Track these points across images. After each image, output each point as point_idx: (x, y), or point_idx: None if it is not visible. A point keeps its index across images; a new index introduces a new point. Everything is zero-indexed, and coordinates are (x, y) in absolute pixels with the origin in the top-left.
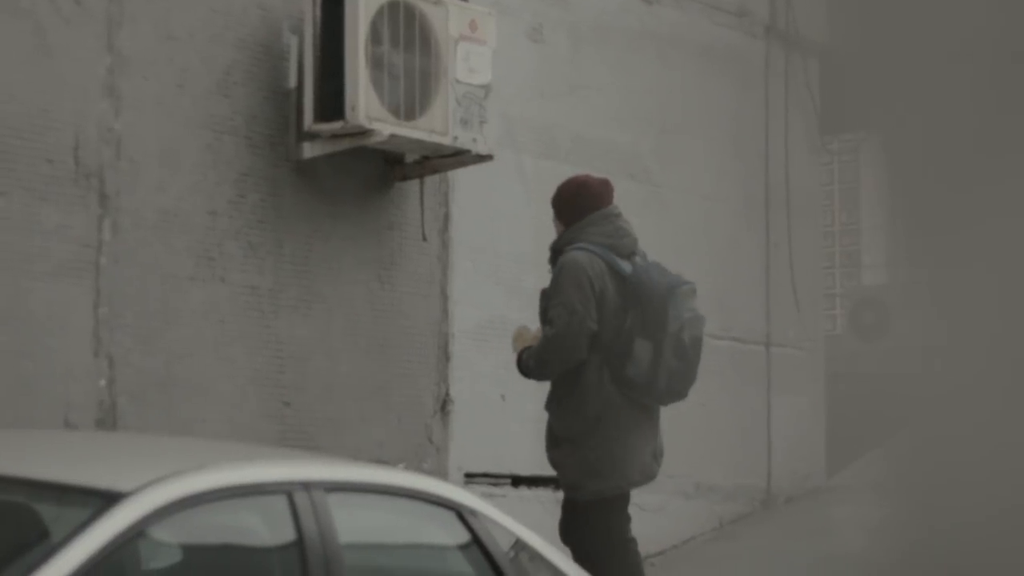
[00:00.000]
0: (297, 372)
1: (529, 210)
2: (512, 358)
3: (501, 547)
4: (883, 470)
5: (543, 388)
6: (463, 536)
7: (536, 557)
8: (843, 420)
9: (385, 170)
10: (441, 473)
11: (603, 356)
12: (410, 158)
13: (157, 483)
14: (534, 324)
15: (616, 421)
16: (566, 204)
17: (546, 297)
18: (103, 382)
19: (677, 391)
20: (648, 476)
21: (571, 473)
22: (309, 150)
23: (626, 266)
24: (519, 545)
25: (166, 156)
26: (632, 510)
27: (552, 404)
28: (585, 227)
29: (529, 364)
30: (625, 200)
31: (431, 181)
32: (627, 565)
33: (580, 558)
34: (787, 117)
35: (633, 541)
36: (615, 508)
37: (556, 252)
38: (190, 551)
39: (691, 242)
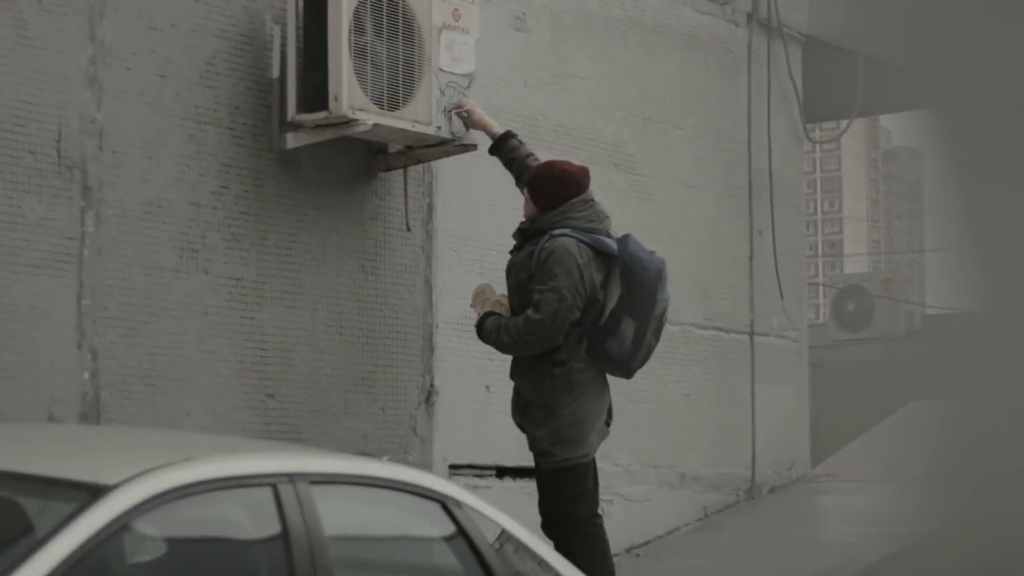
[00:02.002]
0: (281, 364)
1: (512, 200)
2: (491, 348)
3: (486, 538)
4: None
5: None
6: (448, 528)
7: (521, 548)
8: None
9: (369, 160)
10: (426, 464)
11: (583, 329)
12: (393, 148)
13: (142, 476)
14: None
15: (588, 391)
16: (547, 190)
17: (519, 270)
18: (87, 375)
19: (640, 367)
20: (603, 437)
21: (541, 441)
22: (292, 140)
23: (611, 243)
24: (504, 536)
25: (149, 147)
26: (617, 500)
27: (523, 370)
28: (567, 212)
29: (502, 339)
30: (608, 189)
31: (415, 171)
32: (593, 538)
33: (551, 529)
34: (770, 105)
35: (599, 517)
36: (582, 475)
37: (532, 233)
38: (175, 544)
39: (674, 231)
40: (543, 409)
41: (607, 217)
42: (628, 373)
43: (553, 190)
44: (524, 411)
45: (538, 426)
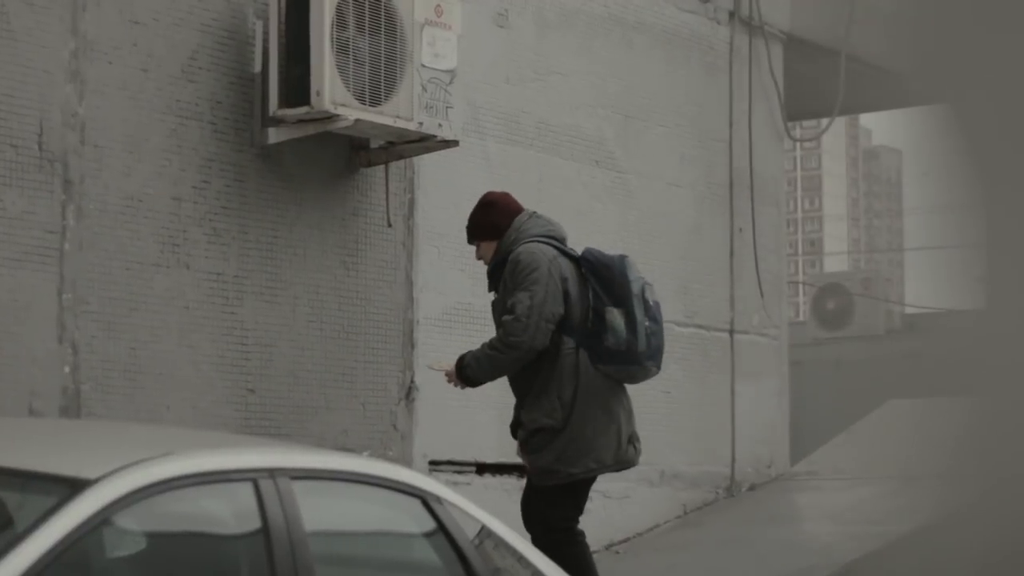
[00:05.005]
0: (262, 359)
1: None
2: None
3: (466, 534)
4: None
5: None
6: (428, 524)
7: (501, 544)
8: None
9: (350, 156)
10: (406, 460)
11: (577, 339)
12: (375, 144)
13: (123, 470)
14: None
15: (591, 404)
16: (488, 217)
17: (499, 303)
18: (67, 369)
19: (655, 355)
20: (623, 461)
21: (545, 458)
22: (274, 135)
23: (572, 251)
24: (484, 532)
25: (131, 142)
26: (597, 498)
27: (527, 398)
28: (520, 227)
29: (487, 354)
30: (590, 186)
31: (396, 167)
32: (576, 555)
33: (541, 542)
34: (751, 103)
35: (581, 533)
36: (579, 491)
37: (499, 267)
38: (156, 538)
39: (655, 228)
40: (548, 431)
41: (558, 224)
42: (641, 363)
43: (492, 213)
44: (532, 435)
45: (544, 445)
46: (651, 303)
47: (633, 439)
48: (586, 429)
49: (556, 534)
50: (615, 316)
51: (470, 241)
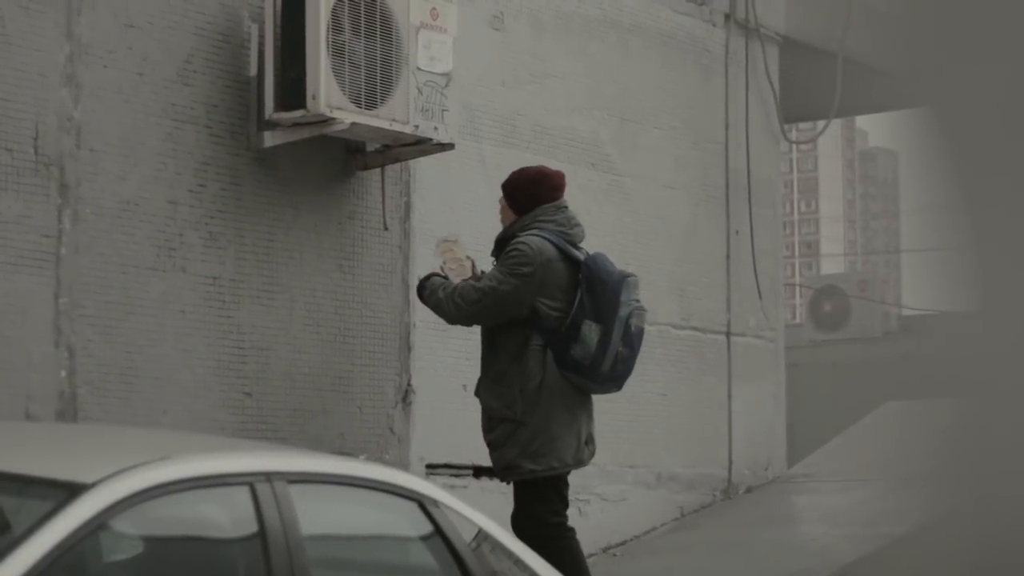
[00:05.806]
0: (258, 362)
1: (490, 199)
2: (468, 348)
3: (463, 538)
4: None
5: None
6: (425, 527)
7: (498, 547)
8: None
9: (346, 159)
10: (403, 464)
11: (547, 339)
12: (371, 147)
13: (119, 474)
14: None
15: (554, 402)
16: (523, 192)
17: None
18: (63, 373)
19: (617, 378)
20: (578, 461)
21: (508, 453)
22: (270, 139)
23: (578, 253)
24: (481, 536)
25: (126, 145)
26: (593, 500)
27: (489, 384)
28: (537, 216)
29: (437, 295)
30: (586, 189)
31: (392, 170)
32: (566, 551)
33: (532, 541)
34: (747, 106)
35: (572, 530)
36: (559, 484)
37: (506, 240)
38: (153, 543)
39: (652, 231)
40: (510, 423)
41: (578, 224)
42: (599, 382)
43: (529, 193)
44: (494, 427)
45: (505, 438)
46: (633, 329)
47: (590, 440)
48: (551, 425)
49: (548, 530)
50: (591, 330)
51: (502, 188)
